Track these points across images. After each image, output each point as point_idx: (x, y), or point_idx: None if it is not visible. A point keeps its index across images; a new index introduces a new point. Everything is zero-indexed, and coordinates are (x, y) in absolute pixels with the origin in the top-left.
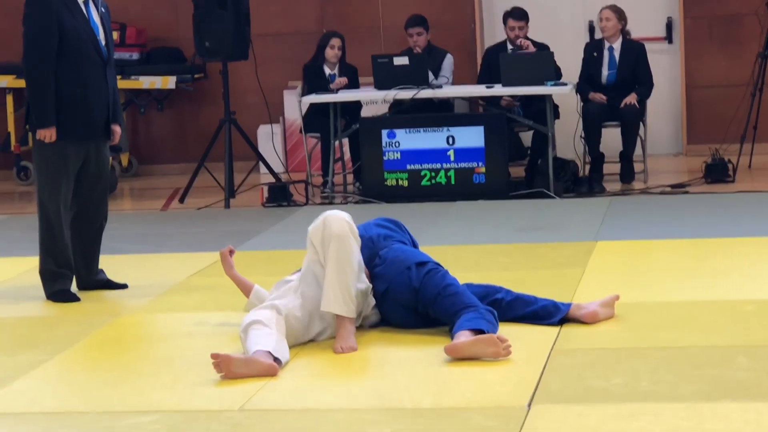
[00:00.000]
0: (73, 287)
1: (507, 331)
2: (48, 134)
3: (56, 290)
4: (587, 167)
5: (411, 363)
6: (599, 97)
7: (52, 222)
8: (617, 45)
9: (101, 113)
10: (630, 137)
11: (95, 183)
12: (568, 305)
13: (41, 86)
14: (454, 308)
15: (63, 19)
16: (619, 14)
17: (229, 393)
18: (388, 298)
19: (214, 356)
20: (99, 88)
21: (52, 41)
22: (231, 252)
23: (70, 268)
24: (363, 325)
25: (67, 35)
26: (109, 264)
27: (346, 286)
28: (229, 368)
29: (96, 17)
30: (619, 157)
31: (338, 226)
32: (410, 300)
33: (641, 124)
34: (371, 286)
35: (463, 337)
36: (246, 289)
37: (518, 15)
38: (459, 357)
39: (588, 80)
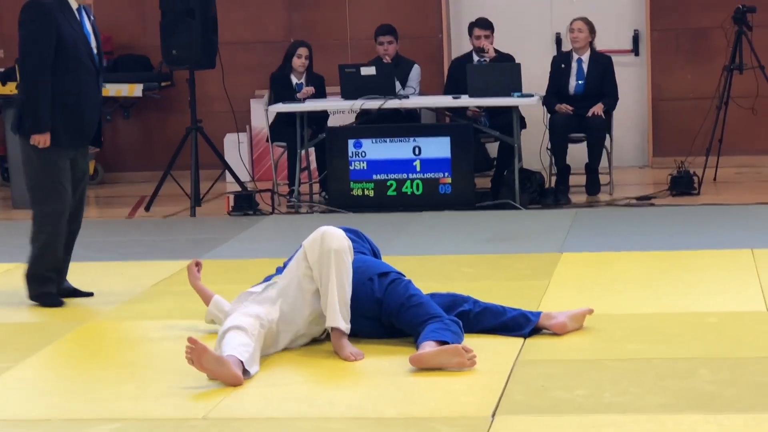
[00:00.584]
0: None
1: (472, 341)
2: (43, 140)
3: (42, 292)
4: (553, 179)
5: (376, 373)
6: (565, 108)
7: (55, 226)
8: (585, 57)
9: (92, 121)
10: (596, 149)
11: (76, 189)
12: (538, 314)
13: (38, 92)
14: (419, 319)
15: (60, 26)
16: (590, 27)
17: (194, 401)
18: (351, 309)
19: (192, 341)
20: (92, 96)
21: (50, 47)
22: (198, 264)
23: (57, 273)
24: (322, 339)
25: (64, 42)
26: (75, 271)
27: (346, 301)
28: (200, 359)
29: (88, 25)
30: (584, 169)
31: (337, 243)
32: (373, 311)
33: (607, 136)
34: None
35: (428, 347)
36: (206, 299)
37: (483, 24)
38: (423, 367)
39: (555, 92)
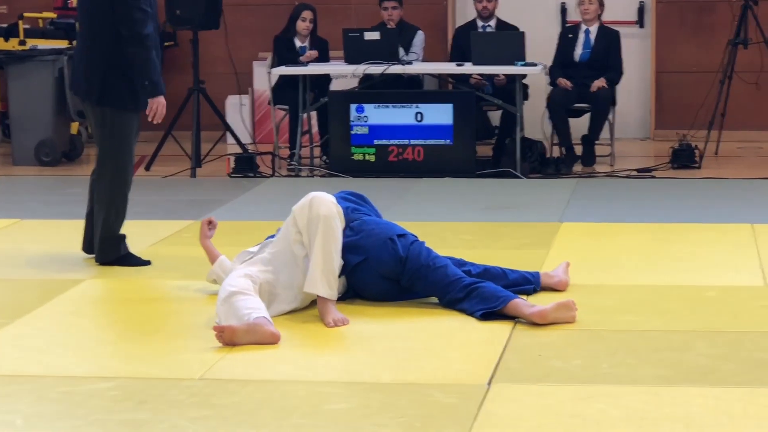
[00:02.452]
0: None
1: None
2: (162, 103)
3: (126, 254)
4: (554, 148)
5: (372, 338)
6: (565, 82)
7: (127, 189)
8: (593, 29)
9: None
10: (599, 121)
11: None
12: (537, 275)
13: (152, 54)
14: (447, 279)
15: None
16: (600, 0)
17: (189, 362)
18: (367, 268)
19: (218, 329)
20: (160, 57)
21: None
22: (211, 223)
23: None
24: None
25: (152, 6)
26: (73, 229)
27: (332, 268)
28: (233, 339)
29: None
30: (581, 141)
31: (326, 209)
32: (394, 270)
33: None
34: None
35: (527, 307)
36: (212, 258)
37: None
38: (547, 322)
39: (561, 63)
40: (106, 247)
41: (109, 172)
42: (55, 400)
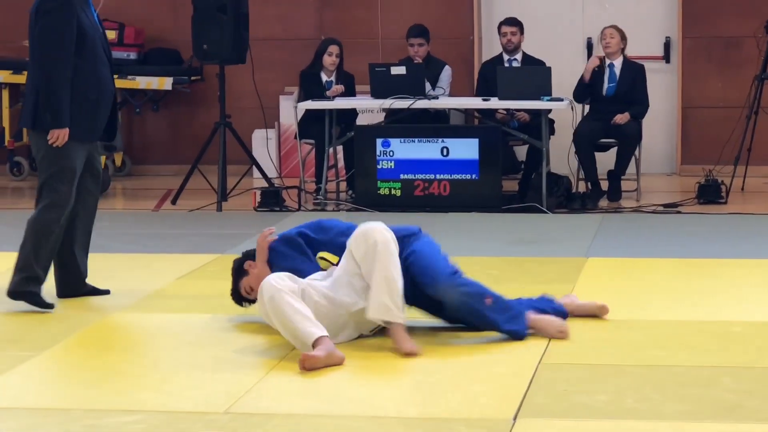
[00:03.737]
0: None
1: (495, 345)
2: (62, 135)
3: (28, 291)
4: (580, 183)
5: (398, 372)
6: (594, 61)
7: (58, 226)
8: (618, 62)
9: (106, 114)
10: (625, 156)
11: (95, 184)
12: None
13: (60, 85)
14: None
15: (80, 16)
16: (621, 34)
17: (215, 395)
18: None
19: (304, 359)
20: (109, 90)
21: (73, 39)
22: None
23: (46, 275)
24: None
25: (85, 33)
26: (99, 263)
27: (396, 294)
28: (314, 366)
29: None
30: (607, 176)
31: (380, 236)
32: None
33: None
34: None
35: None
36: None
37: (511, 21)
38: (536, 326)
39: (591, 97)
40: (20, 280)
41: (42, 203)
42: None
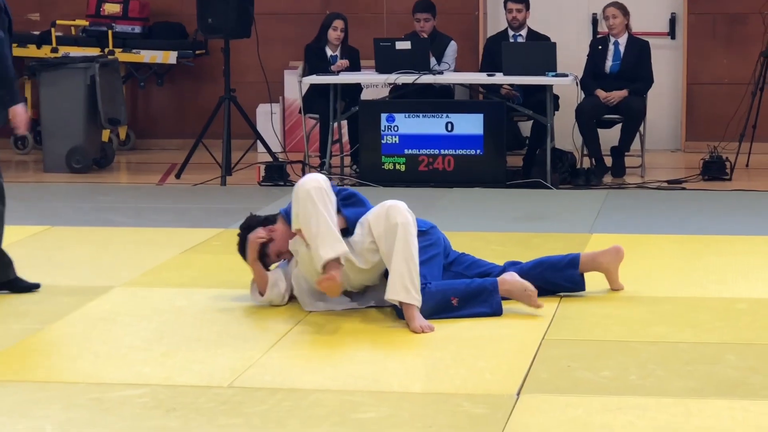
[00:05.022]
0: None
1: (499, 321)
2: (21, 112)
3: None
4: (585, 159)
5: (402, 348)
6: (604, 94)
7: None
8: (623, 40)
9: None
10: (630, 132)
11: None
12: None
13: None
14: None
15: None
16: (624, 10)
17: (219, 369)
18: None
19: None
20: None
21: None
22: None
23: None
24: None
25: None
26: (103, 237)
27: (415, 276)
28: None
29: None
30: (610, 152)
31: (402, 217)
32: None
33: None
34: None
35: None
36: (263, 281)
37: None
38: (506, 288)
39: (592, 75)
40: None
41: None
42: (84, 407)
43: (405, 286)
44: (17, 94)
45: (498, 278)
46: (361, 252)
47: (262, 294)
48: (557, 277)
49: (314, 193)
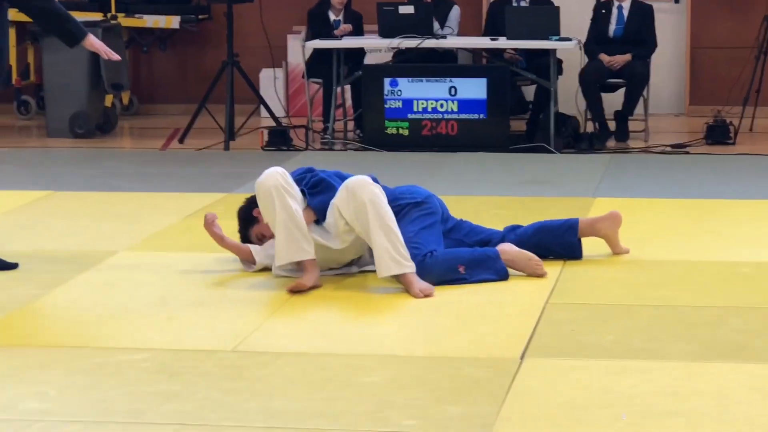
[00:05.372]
0: None
1: (502, 285)
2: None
3: None
4: (588, 123)
5: (405, 312)
6: (607, 58)
7: None
8: (626, 4)
9: None
10: (633, 97)
11: None
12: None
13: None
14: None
15: None
16: None
17: (223, 334)
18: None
19: (295, 288)
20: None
21: None
22: (213, 222)
23: None
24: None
25: None
26: (107, 202)
27: (400, 245)
28: (300, 291)
29: None
30: (614, 116)
31: (368, 193)
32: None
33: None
34: None
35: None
36: (243, 252)
37: None
38: (509, 258)
39: (596, 40)
40: None
41: None
42: (88, 371)
43: (393, 258)
44: (82, 26)
45: (497, 248)
46: (337, 234)
47: (252, 263)
48: (554, 244)
49: (273, 191)
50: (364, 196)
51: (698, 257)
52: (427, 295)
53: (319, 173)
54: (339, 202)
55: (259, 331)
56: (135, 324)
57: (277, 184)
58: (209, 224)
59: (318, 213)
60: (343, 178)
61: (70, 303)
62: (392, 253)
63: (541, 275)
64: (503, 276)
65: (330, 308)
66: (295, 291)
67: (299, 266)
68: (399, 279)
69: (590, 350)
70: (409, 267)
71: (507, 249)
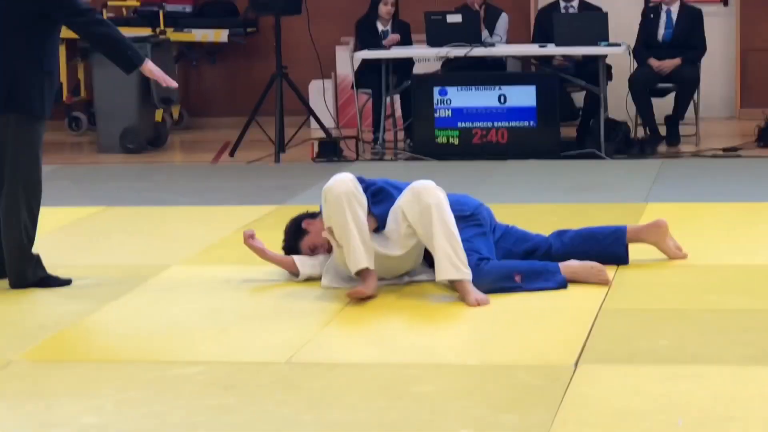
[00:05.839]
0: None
1: (554, 292)
2: (155, 67)
3: (45, 276)
4: (639, 129)
5: (456, 320)
6: (657, 63)
7: (38, 206)
8: (675, 8)
9: None
10: (684, 101)
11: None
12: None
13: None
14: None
15: None
16: None
17: (276, 346)
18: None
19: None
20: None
21: None
22: (252, 237)
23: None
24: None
25: None
26: (159, 216)
27: (460, 252)
28: (360, 298)
29: None
30: (664, 120)
31: (435, 199)
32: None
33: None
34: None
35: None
36: (288, 264)
37: None
38: (571, 272)
39: (645, 45)
40: (22, 269)
41: (20, 187)
42: (143, 385)
43: (453, 263)
44: (139, 52)
45: (560, 264)
46: (398, 240)
47: (296, 275)
48: (601, 253)
49: (344, 198)
50: (429, 199)
51: (752, 261)
52: (482, 305)
53: (378, 182)
54: (404, 204)
55: (312, 342)
56: (189, 338)
57: (348, 191)
58: (248, 238)
59: (380, 222)
60: (392, 185)
61: (123, 318)
62: (453, 258)
63: (605, 282)
64: (562, 285)
65: (382, 318)
66: (355, 297)
67: (357, 276)
68: (455, 285)
69: (645, 356)
70: (467, 274)
71: (568, 263)
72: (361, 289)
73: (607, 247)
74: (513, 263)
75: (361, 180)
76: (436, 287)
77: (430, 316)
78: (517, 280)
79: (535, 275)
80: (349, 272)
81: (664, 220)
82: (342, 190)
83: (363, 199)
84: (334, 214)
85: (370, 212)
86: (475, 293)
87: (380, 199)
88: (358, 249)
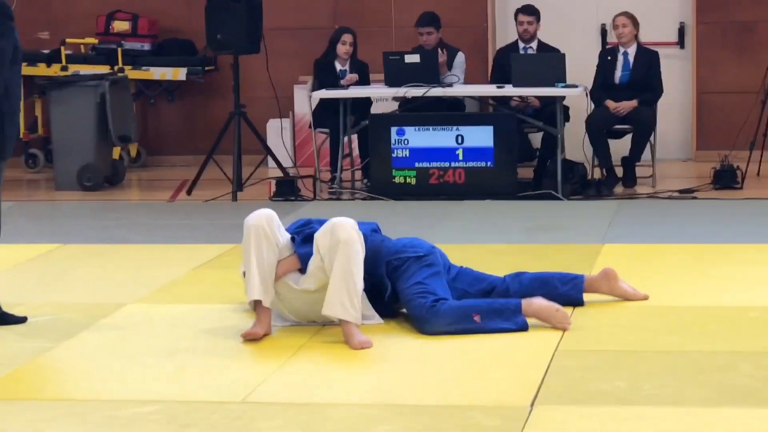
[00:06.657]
0: None
1: (511, 333)
2: None
3: (1, 313)
4: (596, 170)
5: (415, 360)
6: (614, 105)
7: None
8: (632, 50)
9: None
10: (640, 142)
11: None
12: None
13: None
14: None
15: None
16: (633, 20)
17: (232, 385)
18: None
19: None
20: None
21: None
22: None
23: None
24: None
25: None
26: (115, 254)
27: (354, 291)
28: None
29: None
30: (621, 162)
31: (345, 234)
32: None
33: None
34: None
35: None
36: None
37: (529, 10)
38: (533, 310)
39: (602, 86)
40: None
41: None
42: (98, 424)
43: (341, 302)
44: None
45: (523, 301)
46: (313, 272)
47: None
48: (557, 297)
49: (252, 231)
50: (341, 235)
51: (707, 302)
52: (365, 348)
53: (316, 226)
54: (319, 234)
55: (268, 381)
56: (145, 376)
57: (258, 225)
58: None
59: (302, 262)
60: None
61: (79, 356)
62: (343, 296)
63: (563, 329)
64: (522, 328)
65: (339, 358)
66: (248, 338)
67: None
68: (341, 326)
69: (601, 397)
70: (354, 317)
71: (533, 299)
72: (252, 331)
73: (565, 293)
74: (471, 302)
75: (304, 223)
76: (394, 327)
77: (387, 355)
78: (476, 319)
79: (495, 314)
80: (282, 311)
81: (611, 269)
82: (251, 223)
83: (275, 237)
84: (243, 244)
85: (294, 252)
86: (358, 336)
87: (309, 242)
88: (253, 280)
